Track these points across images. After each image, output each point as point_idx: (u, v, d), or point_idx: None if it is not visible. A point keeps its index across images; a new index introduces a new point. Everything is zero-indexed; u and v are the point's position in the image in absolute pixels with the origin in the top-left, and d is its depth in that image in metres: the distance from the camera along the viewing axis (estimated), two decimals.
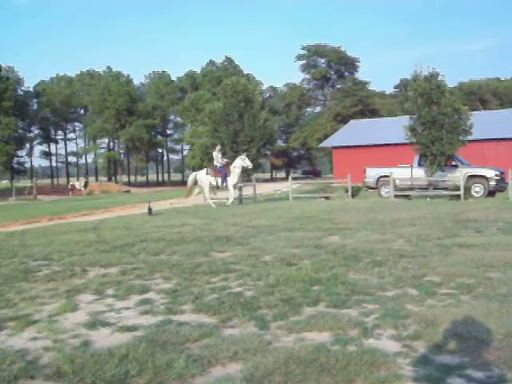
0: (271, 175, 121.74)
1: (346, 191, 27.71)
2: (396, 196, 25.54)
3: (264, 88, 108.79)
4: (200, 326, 5.29)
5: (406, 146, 28.00)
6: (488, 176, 25.92)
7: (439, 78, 26.21)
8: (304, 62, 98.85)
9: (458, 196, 23.82)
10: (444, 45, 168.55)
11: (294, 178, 56.27)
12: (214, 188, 24.77)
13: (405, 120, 27.29)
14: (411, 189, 27.17)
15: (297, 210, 19.40)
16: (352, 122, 64.09)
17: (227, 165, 24.62)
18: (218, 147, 25.52)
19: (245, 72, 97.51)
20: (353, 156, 47.51)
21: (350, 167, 37.35)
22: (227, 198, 24.04)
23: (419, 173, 26.74)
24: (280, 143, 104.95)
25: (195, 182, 25.26)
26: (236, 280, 7.41)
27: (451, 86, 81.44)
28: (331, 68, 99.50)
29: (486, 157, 41.20)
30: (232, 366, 4.32)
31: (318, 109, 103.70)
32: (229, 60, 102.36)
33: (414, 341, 4.71)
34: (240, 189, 26.96)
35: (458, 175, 24.95)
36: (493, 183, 25.78)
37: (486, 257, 8.23)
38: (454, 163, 26.69)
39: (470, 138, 26.57)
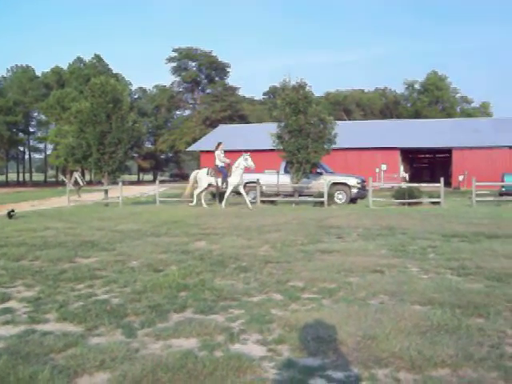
0: (138, 178, 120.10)
1: (214, 196, 27.88)
2: (262, 202, 26.04)
3: (133, 89, 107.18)
4: (65, 335, 5.14)
5: (273, 153, 28.66)
6: (350, 184, 27.13)
7: (307, 88, 27.10)
8: (175, 64, 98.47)
9: (322, 203, 24.65)
10: (313, 55, 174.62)
11: (162, 181, 55.90)
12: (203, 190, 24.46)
13: (273, 127, 27.91)
14: (277, 195, 27.86)
15: (164, 214, 19.25)
16: (221, 126, 64.79)
17: (227, 165, 24.11)
18: (222, 146, 24.91)
19: (114, 71, 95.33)
20: None
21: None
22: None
23: (285, 179, 27.46)
24: (148, 145, 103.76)
25: (196, 181, 24.75)
26: (102, 287, 7.25)
27: (318, 95, 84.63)
28: (202, 72, 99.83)
29: (350, 165, 43.18)
30: (99, 375, 4.25)
31: (188, 112, 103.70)
32: (98, 58, 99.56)
33: (279, 345, 4.85)
34: (105, 193, 26.36)
35: (322, 182, 25.82)
36: (355, 191, 27.00)
37: (346, 262, 8.61)
38: (318, 171, 27.67)
39: (334, 146, 27.65)
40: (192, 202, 24.03)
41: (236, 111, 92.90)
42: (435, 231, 12.90)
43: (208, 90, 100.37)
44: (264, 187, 27.21)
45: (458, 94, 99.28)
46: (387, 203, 25.09)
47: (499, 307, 5.90)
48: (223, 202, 23.47)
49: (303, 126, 25.92)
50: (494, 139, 46.94)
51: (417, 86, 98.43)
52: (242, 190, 23.82)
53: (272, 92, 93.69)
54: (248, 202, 22.96)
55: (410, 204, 23.94)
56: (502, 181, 29.61)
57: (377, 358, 4.45)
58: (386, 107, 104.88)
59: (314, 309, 5.96)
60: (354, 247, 10.41)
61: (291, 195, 27.51)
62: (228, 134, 55.55)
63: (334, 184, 26.92)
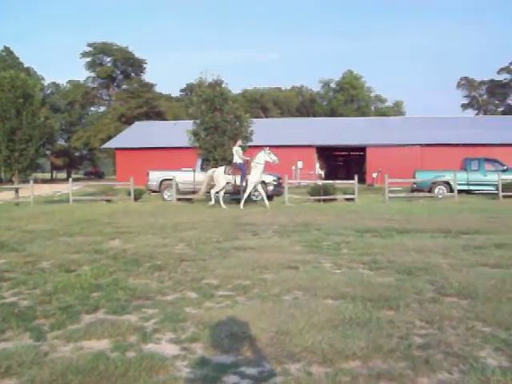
0: (51, 176, 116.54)
1: (129, 194, 27.48)
2: (179, 199, 25.87)
3: (46, 84, 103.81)
4: None
5: (190, 150, 28.53)
6: (267, 181, 27.31)
7: (223, 85, 27.14)
8: (89, 59, 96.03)
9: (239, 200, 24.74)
10: (231, 52, 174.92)
11: (76, 179, 54.50)
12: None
13: (189, 124, 27.78)
14: (194, 192, 27.72)
15: (77, 213, 18.80)
16: (137, 123, 63.82)
17: (247, 161, 22.59)
18: (239, 142, 23.56)
19: (25, 65, 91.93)
20: (137, 158, 47.33)
21: (134, 170, 37.18)
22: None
23: (201, 177, 27.38)
24: (61, 142, 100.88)
25: (211, 180, 23.10)
26: (10, 289, 6.97)
27: (235, 93, 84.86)
28: (117, 68, 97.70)
29: (266, 162, 43.46)
30: (5, 382, 4.07)
31: (103, 109, 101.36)
32: (8, 51, 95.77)
33: (193, 343, 4.82)
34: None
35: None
36: (271, 188, 27.22)
37: (261, 259, 8.67)
38: None
39: (250, 144, 27.80)
40: (211, 201, 22.69)
41: (152, 108, 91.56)
42: (349, 227, 13.20)
43: (124, 86, 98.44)
44: (180, 185, 27.03)
45: (373, 93, 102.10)
46: (303, 200, 25.47)
47: (408, 299, 6.09)
48: (241, 202, 22.23)
49: (219, 123, 25.98)
50: (406, 137, 48.48)
51: (333, 85, 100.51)
52: (259, 188, 22.81)
53: (189, 89, 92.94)
54: (266, 200, 22.19)
55: (325, 201, 24.39)
56: (414, 177, 30.63)
57: (290, 353, 4.48)
58: (303, 105, 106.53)
59: (228, 306, 5.96)
60: (269, 244, 10.50)
61: (208, 193, 27.45)
62: (144, 132, 55.00)
63: None
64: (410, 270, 7.71)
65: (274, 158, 22.39)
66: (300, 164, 48.32)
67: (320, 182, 28.91)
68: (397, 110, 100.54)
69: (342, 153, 60.74)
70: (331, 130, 52.34)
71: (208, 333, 5.01)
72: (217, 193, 22.74)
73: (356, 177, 25.70)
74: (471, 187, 30.57)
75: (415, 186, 30.54)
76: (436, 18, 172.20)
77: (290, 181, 28.91)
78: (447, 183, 28.88)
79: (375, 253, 9.23)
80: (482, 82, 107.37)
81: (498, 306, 5.74)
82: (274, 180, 27.40)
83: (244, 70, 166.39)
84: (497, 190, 27.20)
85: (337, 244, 10.48)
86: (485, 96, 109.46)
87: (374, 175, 45.60)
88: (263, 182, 27.07)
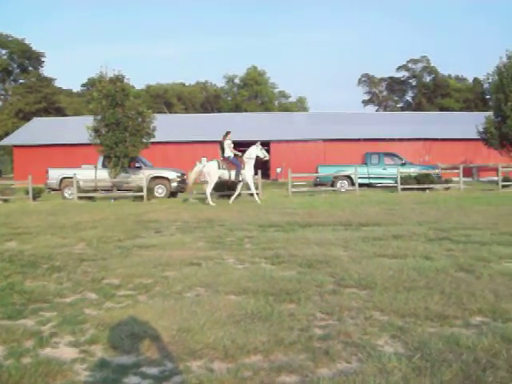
0: None
1: (27, 193, 26.51)
2: (80, 198, 25.24)
3: None
4: None
5: (91, 147, 27.88)
6: (170, 177, 27.17)
7: (124, 80, 26.70)
8: None
9: (142, 197, 24.48)
10: (133, 47, 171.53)
11: None
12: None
13: (90, 120, 27.14)
14: (95, 190, 27.14)
15: None
16: (35, 119, 61.52)
17: (238, 156, 22.10)
18: (230, 135, 22.46)
19: None
20: (36, 156, 45.68)
21: (34, 167, 35.99)
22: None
23: (103, 174, 26.86)
24: None
25: (199, 176, 21.78)
26: None
27: (138, 88, 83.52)
28: (14, 61, 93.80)
29: (170, 159, 43.21)
30: None
31: None
32: None
33: (92, 345, 4.69)
34: None
35: (142, 177, 25.64)
36: (174, 184, 27.09)
37: (163, 256, 8.59)
38: (137, 165, 27.42)
39: (153, 140, 27.53)
40: (256, 198, 21.54)
41: (52, 103, 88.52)
42: (252, 222, 13.31)
43: (21, 80, 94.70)
44: (81, 182, 26.39)
45: (277, 89, 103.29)
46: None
47: (309, 292, 6.21)
48: (255, 196, 21.77)
49: (121, 119, 25.57)
50: (309, 132, 49.43)
51: (237, 81, 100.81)
52: (250, 181, 22.09)
53: (90, 84, 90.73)
54: (255, 195, 21.93)
55: (229, 196, 24.47)
56: (317, 172, 31.32)
57: (191, 351, 4.46)
58: (207, 101, 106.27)
59: (130, 306, 5.86)
60: (171, 241, 10.42)
61: (110, 190, 26.97)
62: (43, 128, 53.11)
63: (154, 178, 26.86)
64: (311, 263, 7.86)
65: (265, 153, 22.35)
66: (204, 160, 48.18)
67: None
68: (300, 105, 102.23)
69: (247, 148, 61.15)
70: (235, 126, 52.48)
71: (108, 334, 4.90)
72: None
73: (260, 172, 25.94)
74: (372, 181, 31.61)
75: (318, 180, 31.26)
76: (337, 15, 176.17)
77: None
78: (349, 177, 29.72)
79: (278, 247, 9.35)
80: (382, 79, 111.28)
81: (395, 295, 5.95)
82: (177, 176, 27.28)
83: (148, 65, 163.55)
84: (396, 183, 28.29)
85: (240, 239, 10.54)
86: (384, 92, 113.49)
87: (278, 170, 46.22)
88: (166, 179, 26.95)
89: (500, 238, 10.13)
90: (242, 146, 56.65)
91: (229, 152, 22.07)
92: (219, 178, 21.99)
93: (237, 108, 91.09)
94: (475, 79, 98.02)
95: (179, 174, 27.53)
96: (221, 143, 22.61)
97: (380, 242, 9.72)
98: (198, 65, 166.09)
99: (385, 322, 5.12)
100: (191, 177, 22.88)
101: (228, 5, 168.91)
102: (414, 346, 4.46)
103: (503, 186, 28.81)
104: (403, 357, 4.21)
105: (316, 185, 31.05)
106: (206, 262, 8.10)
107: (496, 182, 30.03)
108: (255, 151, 22.04)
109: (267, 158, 22.92)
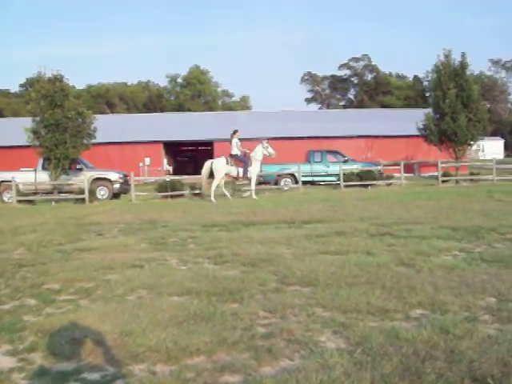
0: None
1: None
2: (19, 201, 24.62)
3: None
4: None
5: (31, 149, 27.24)
6: (112, 179, 26.79)
7: (64, 80, 26.21)
8: None
9: (84, 199, 24.08)
10: (74, 47, 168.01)
11: None
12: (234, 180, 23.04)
13: (29, 122, 26.53)
14: (36, 193, 26.54)
15: None
16: None
17: (246, 153, 22.65)
18: (238, 133, 22.96)
19: None
20: None
21: None
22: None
23: (43, 177, 26.31)
24: None
25: (211, 173, 21.85)
26: None
27: (80, 88, 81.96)
28: None
29: (112, 160, 42.60)
30: None
31: None
32: None
33: (31, 353, 4.57)
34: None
35: (83, 178, 25.22)
36: (117, 186, 26.74)
37: (105, 259, 8.47)
38: (78, 167, 26.97)
39: (95, 141, 27.11)
40: (250, 193, 22.44)
41: None
42: (196, 222, 13.27)
43: None
44: (21, 186, 25.75)
45: (220, 88, 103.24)
46: (151, 197, 25.24)
47: (253, 291, 6.21)
48: (253, 193, 22.55)
49: (60, 120, 25.07)
50: (252, 131, 49.48)
51: (180, 80, 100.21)
52: (254, 178, 22.92)
53: (29, 84, 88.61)
54: (253, 191, 22.69)
55: (172, 197, 24.33)
56: (260, 171, 31.38)
57: (133, 354, 4.40)
58: (150, 100, 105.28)
59: (70, 310, 5.74)
60: (114, 243, 10.30)
61: (50, 193, 26.41)
62: None
63: (96, 180, 26.44)
64: (254, 261, 7.88)
65: (272, 151, 22.80)
66: (147, 160, 47.78)
67: (168, 178, 28.76)
68: (243, 104, 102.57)
69: (190, 148, 60.87)
70: (179, 126, 52.20)
71: (48, 341, 4.79)
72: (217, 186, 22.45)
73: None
74: (315, 178, 31.90)
75: (261, 178, 31.34)
76: (280, 13, 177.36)
77: (137, 178, 28.56)
78: (292, 175, 29.90)
79: (221, 247, 9.34)
80: (325, 77, 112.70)
81: (337, 291, 6.01)
82: (120, 177, 26.94)
83: (89, 65, 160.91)
84: (338, 180, 28.63)
85: (183, 240, 10.50)
86: (327, 90, 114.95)
87: None
88: (108, 180, 26.58)
89: (439, 231, 10.38)
90: (185, 145, 56.75)
91: (236, 150, 22.65)
92: (226, 174, 22.79)
93: (180, 107, 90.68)
94: (415, 77, 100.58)
95: (121, 175, 27.17)
96: (230, 141, 23.12)
97: (323, 239, 9.83)
98: (140, 64, 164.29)
99: (327, 318, 5.18)
100: (203, 174, 22.98)
101: (165, 4, 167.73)
102: (355, 341, 4.51)
103: (443, 181, 29.55)
104: (345, 352, 4.26)
105: (260, 183, 31.13)
106: (148, 264, 8.01)
107: (436, 177, 30.74)
108: (261, 150, 22.80)
109: (274, 156, 23.28)
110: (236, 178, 23.57)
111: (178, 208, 18.02)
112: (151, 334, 4.79)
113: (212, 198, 21.35)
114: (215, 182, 22.21)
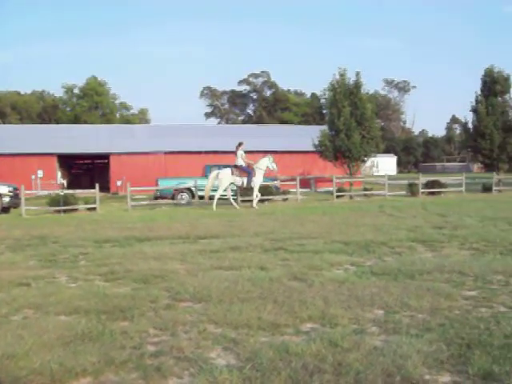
0: None
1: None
2: None
3: None
4: None
5: None
6: (1, 192, 25.64)
7: None
8: None
9: None
10: None
11: None
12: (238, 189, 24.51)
13: None
14: None
15: None
16: None
17: (250, 165, 23.76)
18: (243, 145, 23.90)
19: None
20: None
21: None
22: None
23: None
24: None
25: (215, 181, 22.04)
26: None
27: None
28: None
29: (2, 172, 40.85)
30: None
31: None
32: None
33: None
34: None
35: None
36: (7, 199, 25.59)
37: None
38: None
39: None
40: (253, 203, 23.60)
41: None
42: (88, 238, 12.94)
43: None
44: None
45: (118, 101, 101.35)
46: (42, 211, 24.37)
47: (144, 308, 6.14)
48: (254, 202, 23.60)
49: None
50: (150, 145, 49.01)
51: (76, 91, 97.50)
52: (256, 188, 23.81)
53: None
54: (255, 200, 23.67)
55: (65, 211, 23.60)
56: (157, 185, 31.10)
57: (15, 378, 4.22)
58: (45, 111, 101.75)
59: None
60: (0, 261, 9.82)
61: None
62: None
63: None
64: (146, 278, 7.78)
65: (275, 166, 24.31)
66: (40, 173, 46.16)
67: (61, 192, 27.87)
68: (142, 117, 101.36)
69: (86, 161, 59.47)
70: (74, 138, 50.81)
71: None
72: (224, 195, 24.20)
73: (97, 185, 25.28)
74: (212, 193, 31.87)
75: (158, 193, 31.03)
76: (179, 27, 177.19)
77: (29, 191, 27.52)
78: (189, 189, 29.78)
79: (113, 263, 9.16)
80: (224, 92, 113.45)
81: (229, 306, 6.04)
82: (9, 191, 25.81)
83: None
84: (236, 195, 28.78)
85: (74, 256, 10.21)
86: (226, 105, 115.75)
87: (119, 183, 45.34)
88: None
89: (332, 246, 10.69)
90: (81, 158, 55.36)
91: (240, 161, 23.87)
92: (231, 183, 24.08)
93: (76, 119, 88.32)
94: (313, 94, 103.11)
95: (11, 189, 26.03)
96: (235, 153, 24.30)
97: (217, 254, 9.85)
98: (35, 73, 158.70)
99: (218, 334, 5.18)
100: (208, 183, 24.56)
101: (60, 10, 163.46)
102: (245, 357, 4.55)
103: (337, 196, 30.45)
104: (234, 368, 4.29)
105: (156, 198, 30.80)
106: (36, 282, 7.71)
107: (331, 193, 31.58)
108: (266, 163, 24.04)
109: (276, 171, 24.93)
110: (241, 188, 24.82)
111: (71, 223, 17.50)
112: (35, 355, 4.60)
113: (214, 207, 22.76)
114: (219, 191, 23.72)
